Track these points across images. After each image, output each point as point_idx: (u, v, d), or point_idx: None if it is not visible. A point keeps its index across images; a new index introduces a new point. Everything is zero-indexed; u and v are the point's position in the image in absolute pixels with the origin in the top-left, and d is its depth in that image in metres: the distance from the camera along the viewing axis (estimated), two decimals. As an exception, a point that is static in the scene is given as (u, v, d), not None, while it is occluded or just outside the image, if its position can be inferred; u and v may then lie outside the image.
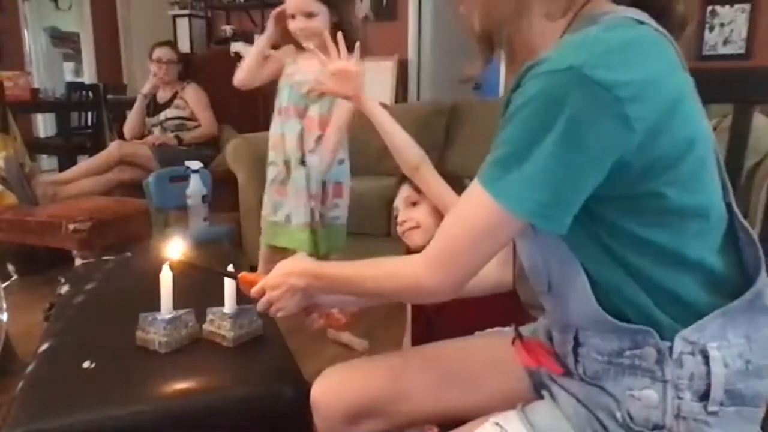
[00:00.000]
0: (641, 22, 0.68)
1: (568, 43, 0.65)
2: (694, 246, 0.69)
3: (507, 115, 0.67)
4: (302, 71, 1.98)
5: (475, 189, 0.70)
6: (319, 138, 1.99)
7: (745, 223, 0.73)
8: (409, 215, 1.31)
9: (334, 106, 1.98)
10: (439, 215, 1.24)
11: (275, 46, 2.07)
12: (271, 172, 2.10)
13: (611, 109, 0.61)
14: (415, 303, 1.06)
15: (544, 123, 0.63)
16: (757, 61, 4.03)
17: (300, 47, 1.98)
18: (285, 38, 2.02)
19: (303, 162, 2.01)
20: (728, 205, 0.73)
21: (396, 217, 1.35)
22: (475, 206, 0.70)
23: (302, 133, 2.00)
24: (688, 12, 0.73)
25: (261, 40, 2.08)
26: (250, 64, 2.04)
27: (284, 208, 2.06)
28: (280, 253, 2.01)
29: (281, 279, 0.91)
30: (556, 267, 0.75)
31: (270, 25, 2.02)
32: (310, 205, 2.00)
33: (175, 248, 1.06)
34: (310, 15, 1.91)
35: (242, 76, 2.03)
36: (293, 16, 1.93)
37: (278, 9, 2.00)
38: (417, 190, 1.27)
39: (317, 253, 2.00)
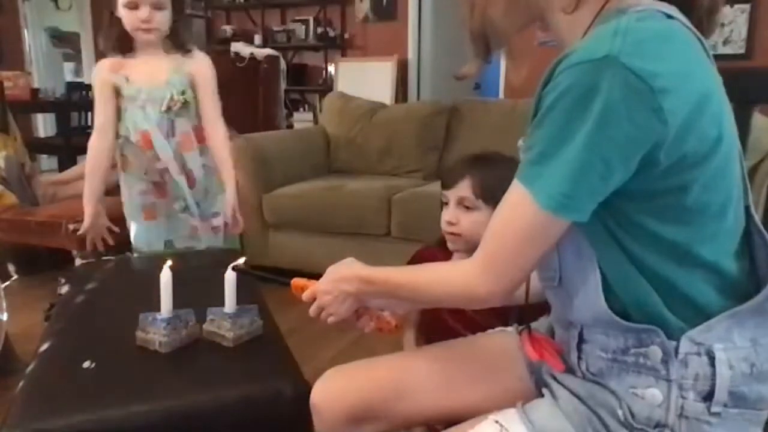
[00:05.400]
0: (670, 17, 0.67)
1: (599, 33, 0.65)
2: (709, 247, 0.69)
3: (542, 111, 0.66)
4: (144, 85, 1.76)
5: (516, 188, 0.69)
6: (202, 151, 1.85)
7: (761, 227, 0.72)
8: (457, 218, 1.17)
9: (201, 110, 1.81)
10: (483, 233, 1.15)
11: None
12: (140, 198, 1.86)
13: (646, 99, 0.61)
14: (468, 308, 1.05)
15: (580, 113, 0.62)
16: (757, 61, 4.03)
17: (124, 50, 1.76)
18: (113, 43, 1.76)
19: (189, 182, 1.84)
20: (746, 208, 0.73)
21: (444, 204, 1.21)
22: (515, 206, 0.70)
23: (179, 153, 1.81)
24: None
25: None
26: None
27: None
28: None
29: (332, 285, 0.90)
30: (571, 261, 0.74)
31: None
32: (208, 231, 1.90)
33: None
34: (158, 6, 1.69)
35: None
36: (135, 6, 1.67)
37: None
38: (477, 193, 1.14)
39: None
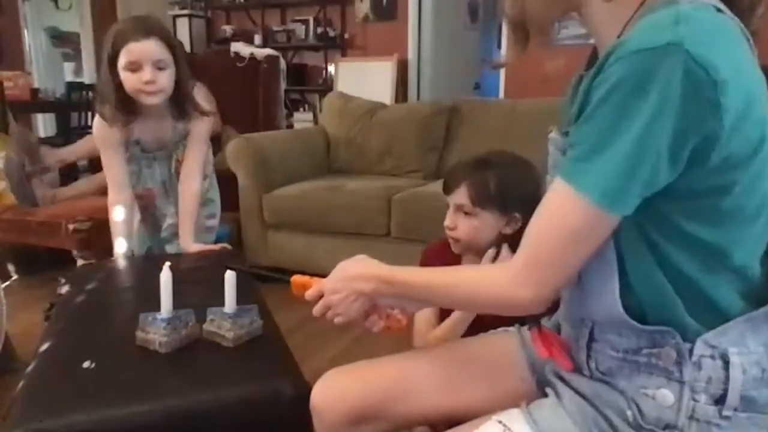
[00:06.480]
0: (719, 10, 0.65)
1: (657, 21, 0.62)
2: (739, 250, 0.68)
3: (592, 105, 0.64)
4: (152, 149, 1.82)
5: (560, 186, 0.67)
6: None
7: None
8: (455, 222, 1.20)
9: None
10: (483, 237, 1.17)
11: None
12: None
13: (706, 92, 0.59)
14: (504, 315, 1.04)
15: (635, 103, 0.60)
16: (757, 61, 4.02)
17: (128, 113, 1.70)
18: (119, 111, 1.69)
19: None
20: None
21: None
22: (559, 205, 0.67)
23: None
24: None
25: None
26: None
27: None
28: None
29: (342, 283, 0.86)
30: (592, 262, 0.72)
31: None
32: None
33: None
34: (161, 66, 1.63)
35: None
36: (138, 68, 1.61)
37: None
38: (474, 201, 1.16)
39: None
